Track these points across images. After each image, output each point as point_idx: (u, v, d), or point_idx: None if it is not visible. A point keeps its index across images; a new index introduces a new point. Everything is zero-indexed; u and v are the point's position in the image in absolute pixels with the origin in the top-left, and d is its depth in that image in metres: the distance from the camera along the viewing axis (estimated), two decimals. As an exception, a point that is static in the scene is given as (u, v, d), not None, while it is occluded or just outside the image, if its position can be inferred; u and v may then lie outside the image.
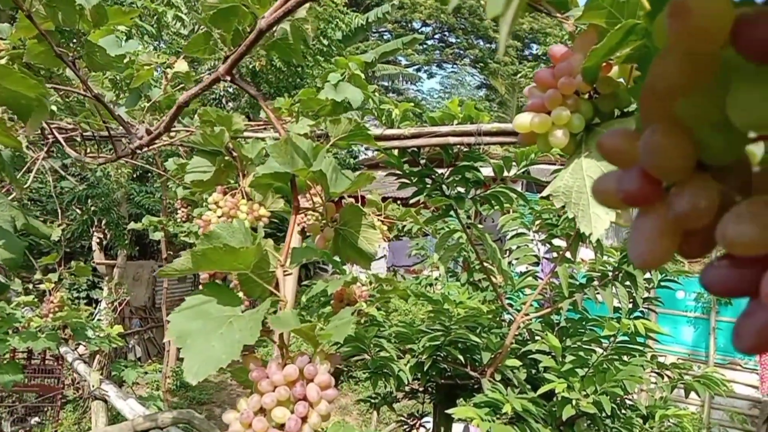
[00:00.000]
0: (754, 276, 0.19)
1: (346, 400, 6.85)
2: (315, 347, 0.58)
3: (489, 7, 0.30)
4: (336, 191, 0.75)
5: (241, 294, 0.69)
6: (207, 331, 0.58)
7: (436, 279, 3.54)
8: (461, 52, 25.34)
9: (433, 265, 3.66)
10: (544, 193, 0.47)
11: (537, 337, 1.97)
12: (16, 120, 1.53)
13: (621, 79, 0.48)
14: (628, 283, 1.86)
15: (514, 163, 1.67)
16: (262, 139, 1.47)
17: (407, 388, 2.25)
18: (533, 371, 1.94)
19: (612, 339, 1.74)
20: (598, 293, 1.86)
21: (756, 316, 0.19)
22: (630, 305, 1.88)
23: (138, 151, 1.10)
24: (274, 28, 1.25)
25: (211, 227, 0.70)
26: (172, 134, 1.58)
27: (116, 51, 1.64)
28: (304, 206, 0.87)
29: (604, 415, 1.65)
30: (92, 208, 6.34)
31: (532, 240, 2.04)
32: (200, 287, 0.67)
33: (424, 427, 2.47)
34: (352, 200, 1.02)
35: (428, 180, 1.76)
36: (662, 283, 1.99)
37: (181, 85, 1.78)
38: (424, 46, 25.06)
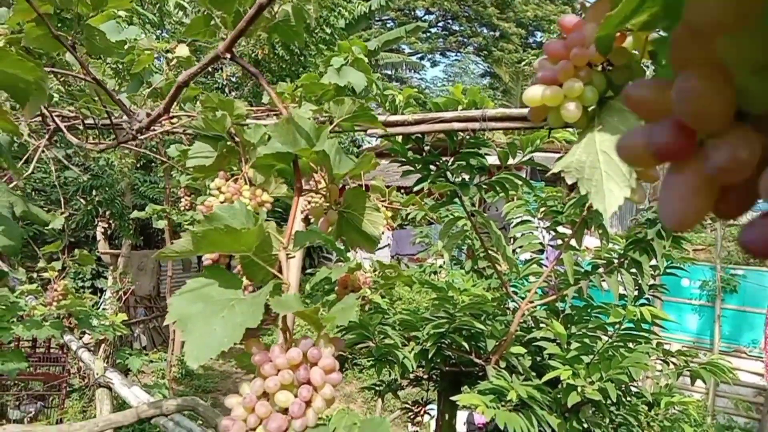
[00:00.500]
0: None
1: (351, 388, 6.88)
2: (318, 330, 0.57)
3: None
4: (340, 173, 0.74)
5: (244, 279, 0.68)
6: (208, 315, 0.57)
7: (441, 267, 3.54)
8: (465, 39, 25.14)
9: (437, 253, 3.65)
10: (555, 170, 0.46)
11: (542, 325, 1.96)
12: (18, 109, 1.52)
13: (636, 51, 0.47)
14: (633, 270, 1.84)
15: (519, 150, 1.65)
16: (265, 125, 1.45)
17: (412, 376, 2.25)
18: (538, 358, 1.94)
19: (617, 326, 1.73)
20: (603, 280, 1.85)
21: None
22: (636, 292, 1.86)
23: (139, 135, 1.08)
24: (275, 9, 1.23)
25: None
26: (174, 120, 1.56)
27: (116, 37, 1.63)
28: (307, 188, 0.85)
29: (609, 402, 1.64)
30: (96, 199, 6.37)
31: (537, 227, 2.02)
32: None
33: (428, 414, 2.48)
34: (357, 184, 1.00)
35: (432, 167, 1.75)
36: (668, 270, 1.98)
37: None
38: (428, 34, 24.90)
